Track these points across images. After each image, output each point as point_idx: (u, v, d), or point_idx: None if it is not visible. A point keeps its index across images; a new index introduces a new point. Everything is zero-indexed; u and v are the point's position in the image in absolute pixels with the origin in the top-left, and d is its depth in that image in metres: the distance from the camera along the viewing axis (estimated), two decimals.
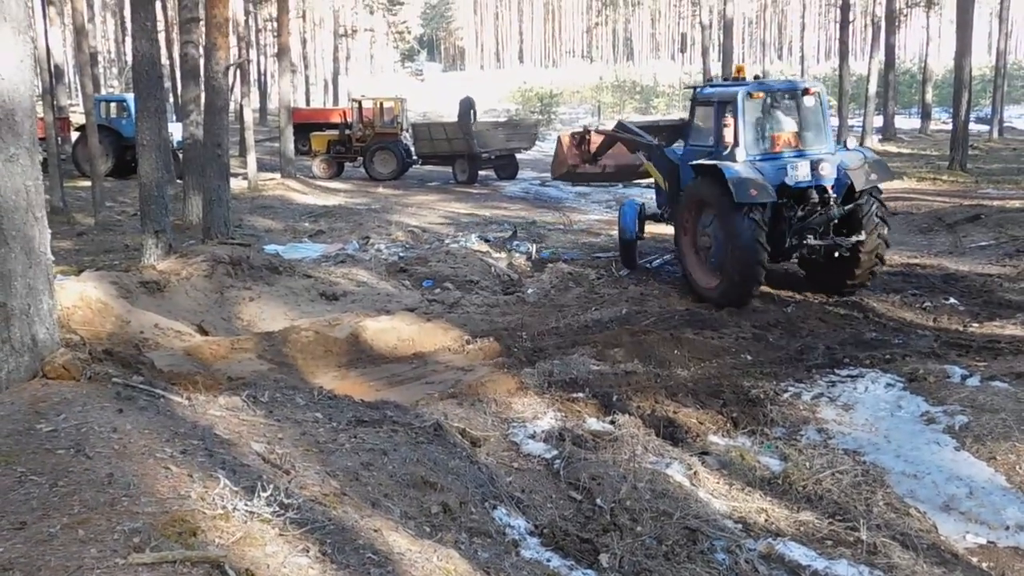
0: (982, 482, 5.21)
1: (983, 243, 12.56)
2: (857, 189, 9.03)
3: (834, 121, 32.81)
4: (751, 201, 8.60)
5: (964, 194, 17.59)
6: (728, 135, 9.44)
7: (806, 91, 9.66)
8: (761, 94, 9.41)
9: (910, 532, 4.64)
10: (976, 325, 8.31)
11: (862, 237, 9.13)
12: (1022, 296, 9.11)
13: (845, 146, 9.88)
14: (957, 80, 22.13)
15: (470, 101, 22.98)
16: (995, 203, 15.45)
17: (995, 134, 30.26)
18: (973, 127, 26.92)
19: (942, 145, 26.50)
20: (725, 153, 9.28)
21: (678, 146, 11.16)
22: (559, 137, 15.01)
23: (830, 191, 9.08)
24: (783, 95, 9.72)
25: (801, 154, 9.33)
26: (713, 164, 9.06)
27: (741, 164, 8.90)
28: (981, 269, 10.82)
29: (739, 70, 10.44)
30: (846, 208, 9.14)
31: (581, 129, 14.56)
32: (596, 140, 13.77)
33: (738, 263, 8.77)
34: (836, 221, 9.20)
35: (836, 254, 9.20)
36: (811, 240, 9.13)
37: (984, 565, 4.52)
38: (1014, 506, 4.96)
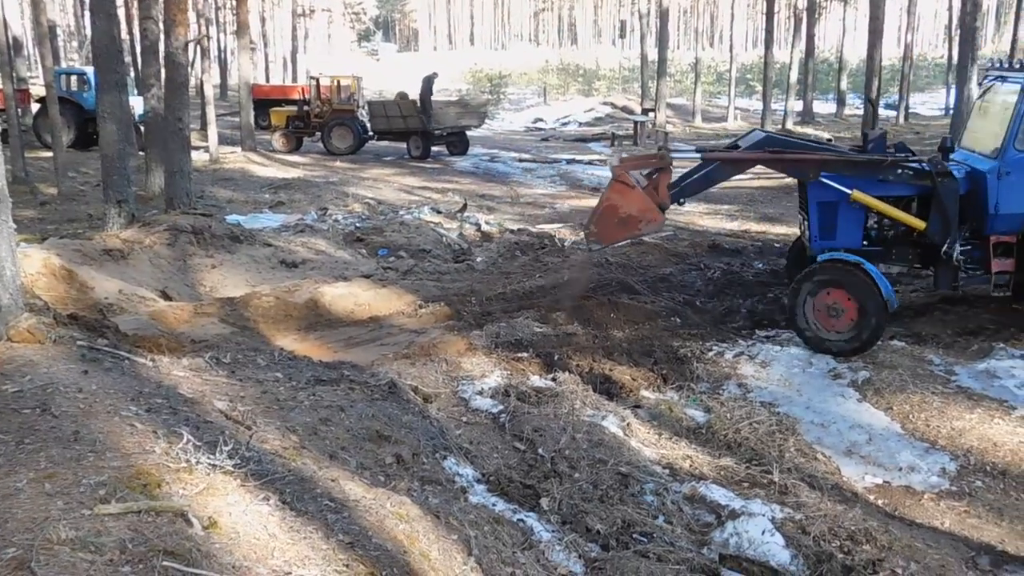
0: (880, 429, 5.45)
1: None
2: None
3: (758, 105, 33.40)
4: None
5: None
6: None
7: None
8: None
9: (817, 474, 4.84)
10: None
11: None
12: None
13: None
14: (869, 69, 22.64)
15: (431, 78, 22.70)
16: None
17: (901, 119, 31.10)
18: (882, 112, 27.65)
19: (855, 128, 27.16)
20: None
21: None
22: (619, 178, 7.10)
23: None
24: None
25: None
26: None
27: None
28: None
29: None
30: None
31: (652, 153, 7.70)
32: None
33: None
34: None
35: None
36: None
37: (880, 502, 4.75)
38: (907, 450, 5.21)
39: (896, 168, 6.93)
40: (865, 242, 7.29)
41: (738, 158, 7.44)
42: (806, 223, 7.44)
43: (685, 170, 7.59)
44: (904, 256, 7.26)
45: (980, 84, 7.52)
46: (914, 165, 6.93)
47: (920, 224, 6.99)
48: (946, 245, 6.88)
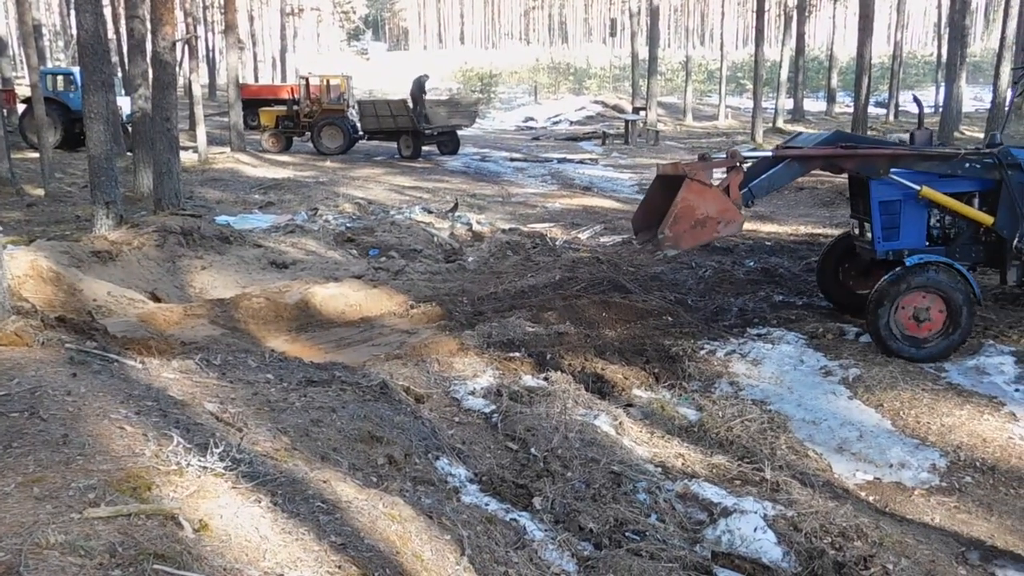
0: (871, 426, 5.48)
1: None
2: None
3: (749, 103, 33.54)
4: None
5: None
6: None
7: None
8: None
9: (808, 471, 4.86)
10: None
11: None
12: None
13: None
14: (858, 67, 22.77)
15: (423, 79, 22.71)
16: None
17: (891, 117, 31.30)
18: (872, 110, 27.80)
19: (845, 126, 27.29)
20: None
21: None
22: (695, 177, 6.45)
23: None
24: None
25: None
26: None
27: None
28: None
29: None
30: None
31: (724, 156, 6.85)
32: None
33: None
34: None
35: None
36: None
37: (871, 499, 4.77)
38: (897, 447, 5.24)
39: (965, 161, 6.74)
40: (927, 242, 7.06)
41: (809, 155, 6.95)
42: (865, 225, 7.23)
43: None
44: (968, 254, 7.02)
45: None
46: (986, 158, 6.76)
47: (988, 219, 6.79)
48: (1016, 239, 6.71)
